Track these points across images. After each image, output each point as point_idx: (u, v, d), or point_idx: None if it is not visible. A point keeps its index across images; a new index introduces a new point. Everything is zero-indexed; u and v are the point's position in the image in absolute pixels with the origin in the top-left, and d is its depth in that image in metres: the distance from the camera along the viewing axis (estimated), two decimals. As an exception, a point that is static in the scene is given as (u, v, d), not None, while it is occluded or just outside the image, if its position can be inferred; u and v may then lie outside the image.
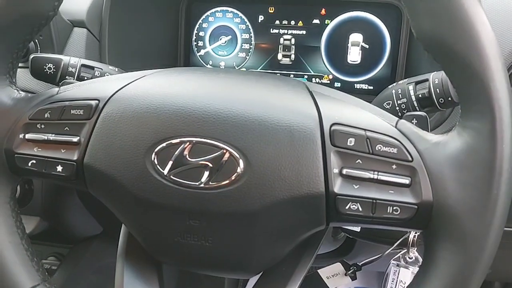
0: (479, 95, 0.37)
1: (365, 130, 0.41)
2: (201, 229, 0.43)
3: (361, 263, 0.74)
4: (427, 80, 0.55)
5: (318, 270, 0.76)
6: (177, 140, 0.41)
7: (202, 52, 0.95)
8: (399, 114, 0.56)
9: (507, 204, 0.38)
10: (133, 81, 0.47)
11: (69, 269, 1.00)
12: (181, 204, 0.42)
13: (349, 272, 0.75)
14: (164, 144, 0.41)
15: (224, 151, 0.40)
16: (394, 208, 0.39)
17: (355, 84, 0.90)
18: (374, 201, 0.40)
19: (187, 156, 0.41)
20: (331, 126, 0.41)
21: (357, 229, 0.70)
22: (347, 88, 0.90)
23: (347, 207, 0.40)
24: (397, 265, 0.68)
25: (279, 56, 0.91)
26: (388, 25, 0.86)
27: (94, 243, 1.04)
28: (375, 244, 0.76)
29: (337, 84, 0.90)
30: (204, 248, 0.44)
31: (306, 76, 0.91)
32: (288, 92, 0.46)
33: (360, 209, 0.40)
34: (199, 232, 0.43)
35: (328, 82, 0.91)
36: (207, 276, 0.53)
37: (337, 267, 0.76)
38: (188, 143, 0.41)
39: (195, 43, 0.95)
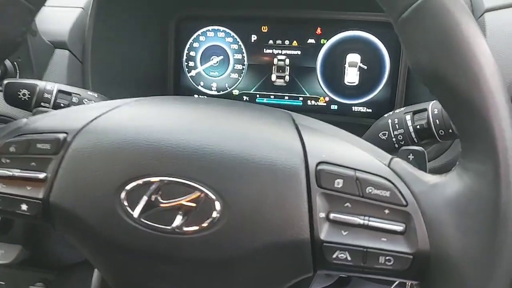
0: (482, 134, 0.34)
1: (355, 170, 0.37)
2: (175, 276, 0.40)
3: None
4: (425, 110, 0.51)
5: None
6: (149, 180, 0.38)
7: (193, 72, 0.92)
8: (396, 145, 0.52)
9: None
10: (106, 112, 0.43)
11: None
12: (152, 249, 0.38)
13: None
14: (134, 184, 0.38)
15: (200, 192, 0.37)
16: (387, 258, 0.36)
17: (353, 107, 0.86)
18: (365, 249, 0.36)
19: (159, 198, 0.38)
20: (317, 165, 0.37)
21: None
22: (344, 111, 0.86)
23: (334, 256, 0.36)
24: (396, 306, 0.64)
25: (273, 77, 0.88)
26: (387, 45, 0.82)
27: (79, 269, 1.00)
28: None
29: (334, 107, 0.87)
30: None
31: (301, 98, 0.87)
32: (271, 125, 0.42)
33: (349, 258, 0.36)
34: (173, 279, 0.40)
35: (325, 104, 0.87)
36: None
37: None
38: (160, 183, 0.38)
39: (186, 63, 0.92)
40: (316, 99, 0.87)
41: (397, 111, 0.54)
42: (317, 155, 0.38)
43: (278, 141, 0.39)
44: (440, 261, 0.35)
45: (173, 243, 0.38)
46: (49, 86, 0.60)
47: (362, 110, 0.86)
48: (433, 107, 0.51)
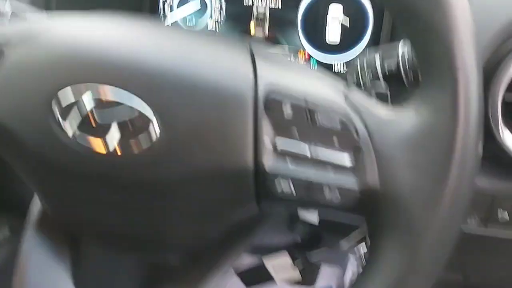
0: (442, 63, 0.31)
1: (305, 97, 0.34)
2: (111, 200, 0.38)
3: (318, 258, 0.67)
4: (395, 51, 0.48)
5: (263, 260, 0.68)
6: (84, 90, 0.35)
7: (169, 22, 0.88)
8: (363, 89, 0.50)
9: (465, 197, 0.32)
10: (47, 23, 0.40)
11: (14, 245, 0.93)
12: (86, 170, 0.36)
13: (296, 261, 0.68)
14: (67, 93, 0.35)
15: (138, 110, 0.34)
16: (333, 192, 0.34)
17: (333, 65, 0.83)
18: (310, 182, 0.34)
19: (95, 115, 0.35)
20: (266, 90, 0.35)
21: (315, 220, 0.63)
22: (325, 69, 0.83)
23: (278, 187, 0.34)
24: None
25: (252, 30, 0.84)
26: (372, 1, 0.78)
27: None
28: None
29: (314, 64, 0.83)
30: (116, 221, 0.39)
31: (280, 53, 0.84)
32: (224, 49, 0.40)
33: (294, 190, 0.34)
34: (109, 203, 0.38)
35: (304, 61, 0.84)
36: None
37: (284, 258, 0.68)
38: (96, 99, 0.35)
39: (162, 12, 0.88)
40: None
41: (367, 53, 0.51)
42: (267, 79, 0.35)
43: (228, 63, 0.36)
44: (389, 198, 0.33)
45: (109, 164, 0.36)
46: None
47: (343, 70, 0.83)
48: (403, 49, 0.48)
